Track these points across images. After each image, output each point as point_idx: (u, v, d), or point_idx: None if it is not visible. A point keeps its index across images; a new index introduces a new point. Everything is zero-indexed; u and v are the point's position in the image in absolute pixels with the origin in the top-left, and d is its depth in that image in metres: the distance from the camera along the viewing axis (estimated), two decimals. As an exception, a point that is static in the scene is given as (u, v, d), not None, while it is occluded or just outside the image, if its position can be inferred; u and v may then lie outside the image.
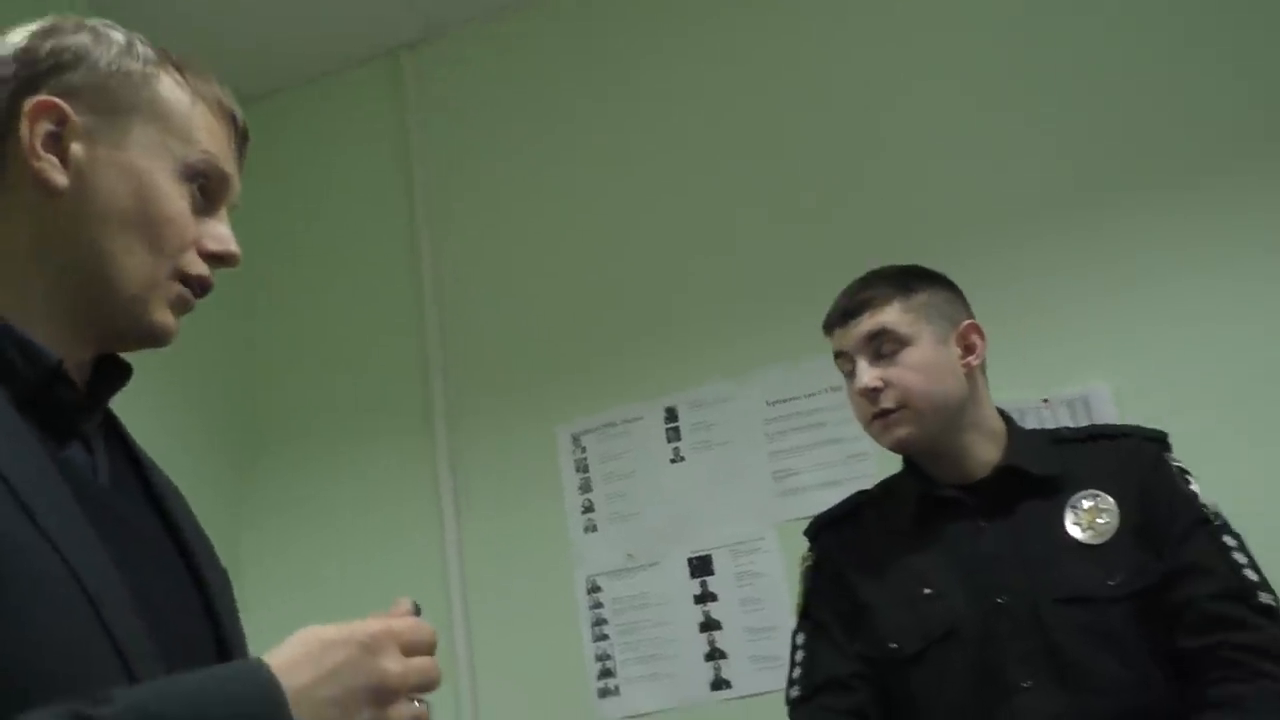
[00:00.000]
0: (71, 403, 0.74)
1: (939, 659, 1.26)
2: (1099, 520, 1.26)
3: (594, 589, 2.21)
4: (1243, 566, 1.22)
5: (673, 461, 2.22)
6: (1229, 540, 1.24)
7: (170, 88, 0.79)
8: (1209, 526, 1.24)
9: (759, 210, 2.28)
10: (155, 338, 0.79)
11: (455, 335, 2.46)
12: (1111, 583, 1.22)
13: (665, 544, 2.18)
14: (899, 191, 2.18)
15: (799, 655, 1.40)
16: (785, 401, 2.16)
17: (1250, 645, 1.15)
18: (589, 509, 2.25)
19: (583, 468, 2.28)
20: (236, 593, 0.85)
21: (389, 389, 2.46)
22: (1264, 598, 1.19)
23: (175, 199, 0.77)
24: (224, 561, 0.86)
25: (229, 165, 0.82)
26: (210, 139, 0.80)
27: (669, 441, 2.23)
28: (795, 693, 1.38)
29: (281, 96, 2.73)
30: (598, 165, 2.44)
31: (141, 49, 0.80)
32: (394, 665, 0.63)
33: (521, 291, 2.43)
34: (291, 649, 0.62)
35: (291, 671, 0.60)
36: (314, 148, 2.70)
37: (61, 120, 0.75)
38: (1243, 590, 1.19)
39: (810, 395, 2.13)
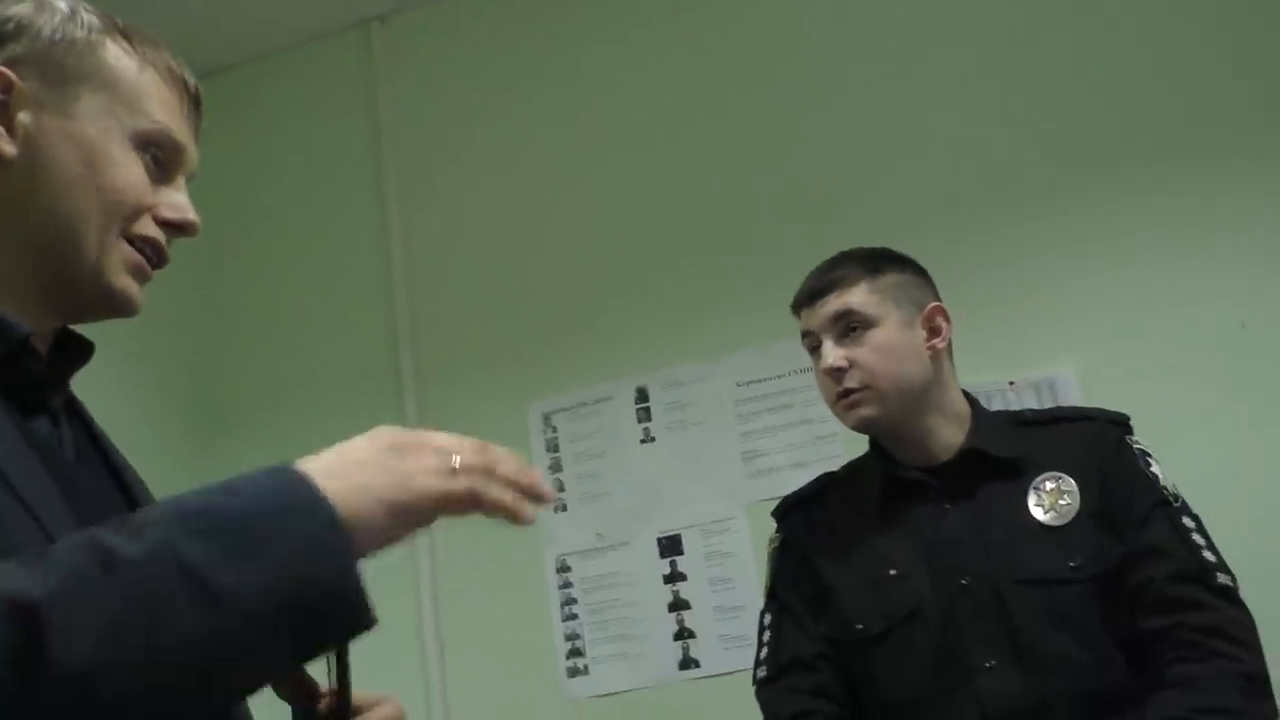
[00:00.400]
0: (40, 376, 0.73)
1: (902, 639, 1.27)
2: (1061, 502, 1.27)
3: (564, 568, 2.21)
4: (1201, 548, 1.23)
5: (643, 441, 2.22)
6: (1188, 522, 1.26)
7: (117, 55, 0.78)
8: (1168, 509, 1.26)
9: (733, 192, 2.27)
10: (119, 306, 0.78)
11: (425, 310, 2.44)
12: (1072, 564, 1.23)
13: (635, 524, 2.18)
14: (868, 177, 2.18)
15: (765, 635, 1.41)
16: (756, 383, 2.17)
17: (1207, 626, 1.17)
18: (559, 488, 2.25)
19: (553, 447, 2.27)
20: None
21: (358, 363, 2.44)
22: (1221, 579, 1.21)
23: (127, 166, 0.76)
24: None
25: (182, 134, 0.80)
26: (161, 107, 0.78)
27: (639, 422, 2.23)
28: (762, 673, 1.39)
29: (251, 67, 2.69)
30: (571, 141, 2.42)
31: (86, 17, 0.78)
32: (415, 433, 0.64)
33: (492, 267, 2.41)
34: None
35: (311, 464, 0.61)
36: (284, 119, 2.66)
37: (7, 88, 0.74)
38: (1201, 571, 1.21)
39: (780, 377, 2.13)
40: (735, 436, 2.16)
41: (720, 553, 2.11)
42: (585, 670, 2.14)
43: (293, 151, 2.63)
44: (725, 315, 2.20)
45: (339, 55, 2.64)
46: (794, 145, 2.25)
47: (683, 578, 2.13)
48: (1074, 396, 1.93)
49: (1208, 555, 1.23)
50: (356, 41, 2.63)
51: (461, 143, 2.51)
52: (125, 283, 0.77)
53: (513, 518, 0.65)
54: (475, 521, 2.36)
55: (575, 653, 2.16)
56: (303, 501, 0.57)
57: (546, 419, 2.29)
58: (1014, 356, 2.01)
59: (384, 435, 0.63)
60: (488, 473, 0.64)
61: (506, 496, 0.64)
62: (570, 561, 2.21)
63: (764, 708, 1.36)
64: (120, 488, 0.79)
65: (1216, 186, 1.97)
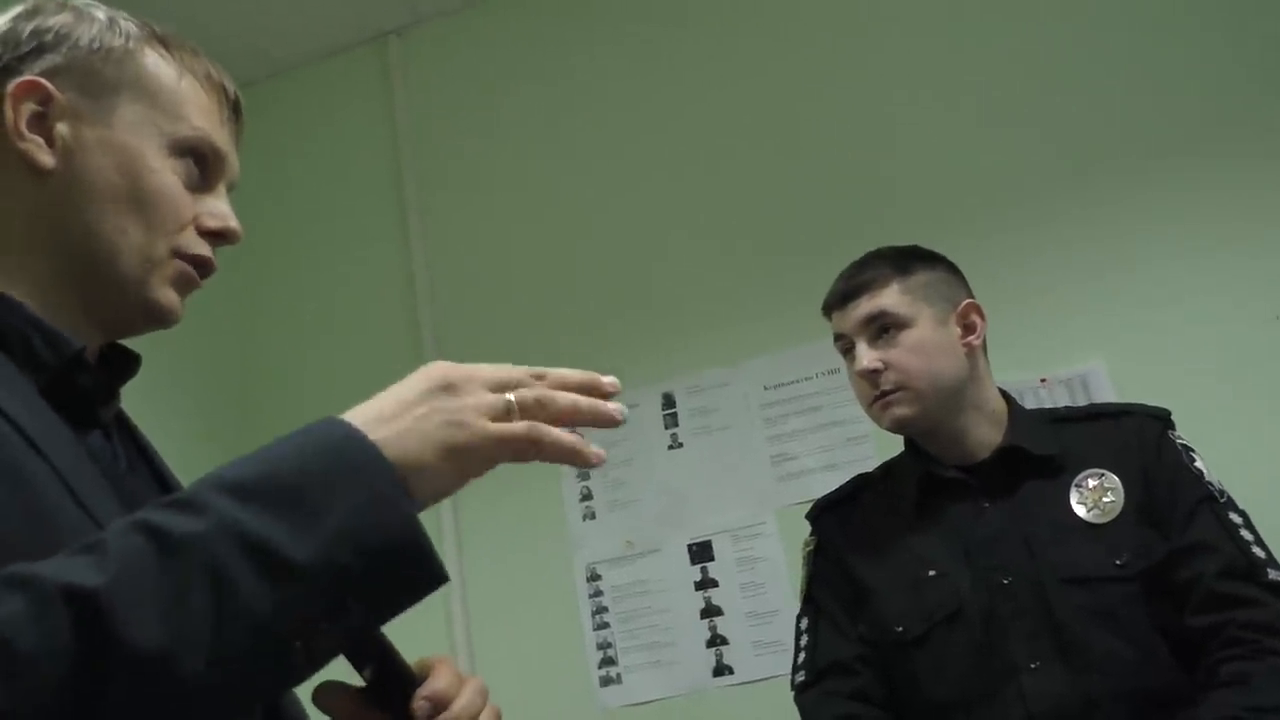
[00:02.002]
0: (93, 390, 0.73)
1: (943, 640, 1.26)
2: (1105, 499, 1.25)
3: (594, 577, 2.20)
4: (1250, 544, 1.21)
5: (670, 448, 2.21)
6: (1235, 518, 1.23)
7: (156, 63, 0.77)
8: (1214, 504, 1.24)
9: (754, 194, 2.26)
10: (160, 317, 0.77)
11: (448, 322, 2.44)
12: (1118, 562, 1.21)
13: (665, 530, 2.17)
14: (893, 174, 2.17)
15: (803, 640, 1.40)
16: (782, 386, 2.15)
17: (1258, 623, 1.15)
18: (587, 496, 2.24)
19: (580, 455, 2.26)
20: None
21: (383, 375, 2.40)
22: (1272, 574, 1.19)
23: (166, 174, 0.75)
24: None
25: (222, 141, 0.79)
26: (200, 114, 0.78)
27: (666, 428, 2.22)
28: (800, 678, 1.37)
29: (270, 84, 2.70)
30: (589, 150, 2.42)
31: (125, 25, 0.78)
32: (466, 368, 0.60)
33: (515, 277, 2.41)
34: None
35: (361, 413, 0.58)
36: (304, 135, 2.67)
37: (46, 100, 0.73)
38: (1250, 567, 1.19)
39: (807, 379, 2.12)
40: (763, 440, 2.14)
41: (751, 558, 2.10)
42: (618, 679, 2.13)
43: (315, 165, 2.65)
44: (750, 319, 2.19)
45: (357, 69, 2.65)
46: (815, 148, 2.24)
47: (714, 584, 2.11)
48: (1106, 392, 1.90)
49: (1257, 551, 1.20)
50: (374, 55, 2.64)
51: (480, 154, 2.51)
52: (168, 295, 0.76)
53: (574, 460, 0.61)
54: (504, 532, 2.35)
55: (608, 661, 2.14)
56: (358, 459, 0.55)
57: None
58: (1045, 353, 1.99)
59: (436, 371, 0.60)
60: (545, 407, 0.59)
61: (565, 440, 0.59)
62: (600, 570, 2.20)
63: (803, 713, 1.35)
64: (167, 491, 0.79)
65: (1245, 179, 1.94)
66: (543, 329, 2.36)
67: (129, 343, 0.81)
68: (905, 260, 1.38)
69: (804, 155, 2.24)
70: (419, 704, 0.65)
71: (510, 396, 0.59)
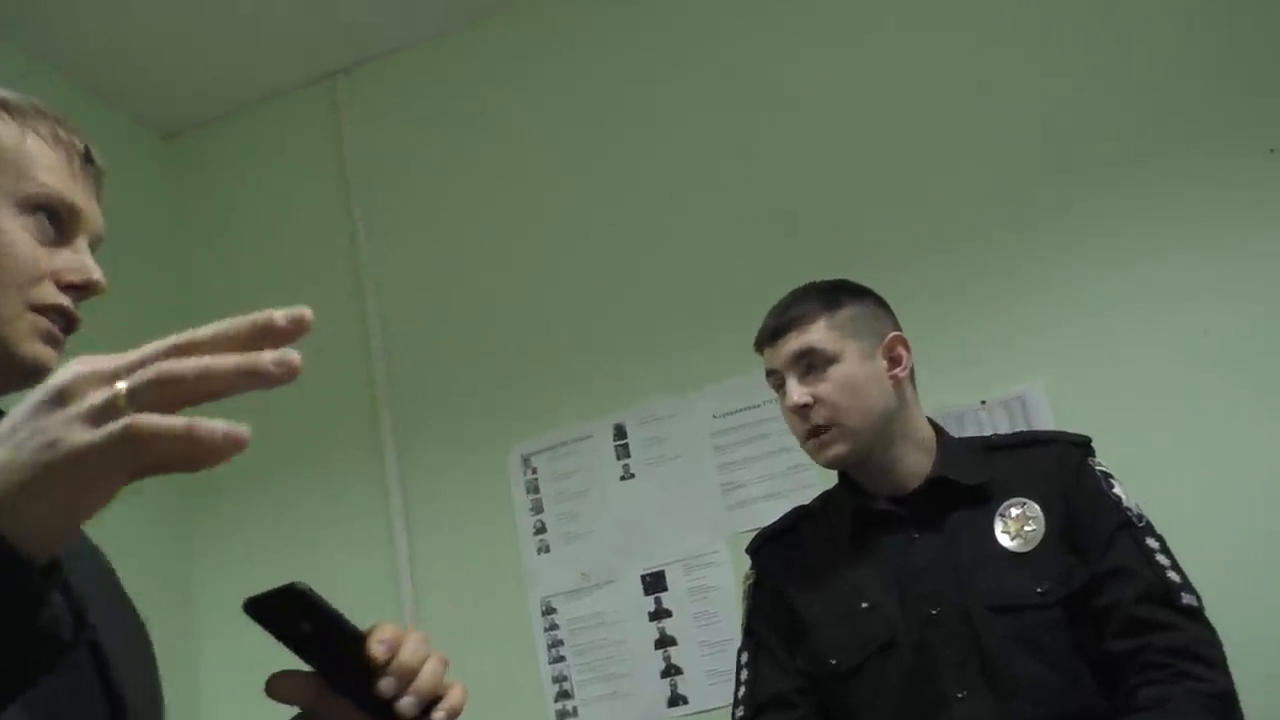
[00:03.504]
0: None
1: (876, 671, 1.28)
2: (1026, 528, 1.28)
3: (549, 610, 2.20)
4: (1166, 569, 1.24)
5: (623, 479, 2.22)
6: (1152, 543, 1.26)
7: None
8: (1132, 529, 1.27)
9: (700, 225, 2.29)
10: (31, 371, 0.76)
11: (400, 358, 2.45)
12: (1040, 590, 1.24)
13: (618, 562, 2.18)
14: (833, 203, 2.20)
15: (743, 674, 1.41)
16: (732, 414, 2.18)
17: (1175, 647, 1.18)
18: (541, 530, 2.25)
19: (534, 488, 2.28)
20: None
21: (337, 413, 2.44)
22: (1187, 599, 1.22)
23: (15, 232, 0.75)
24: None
25: (74, 194, 0.79)
26: (47, 171, 0.78)
27: (619, 459, 2.23)
28: (740, 712, 1.39)
29: (219, 124, 2.71)
30: (535, 183, 2.44)
31: None
32: (87, 363, 0.47)
33: (465, 312, 2.43)
34: None
35: None
36: (253, 174, 2.68)
37: None
38: (1166, 592, 1.22)
39: (755, 406, 2.14)
40: (713, 469, 2.16)
41: (704, 587, 2.11)
42: (575, 712, 2.13)
43: (263, 206, 2.65)
44: (699, 347, 2.22)
45: (305, 109, 2.66)
46: (761, 173, 2.27)
47: (668, 614, 2.13)
48: (1043, 412, 1.94)
49: (1172, 576, 1.23)
50: (322, 95, 2.65)
51: (428, 191, 2.53)
52: (36, 349, 0.76)
53: (199, 450, 0.45)
54: (458, 567, 2.35)
55: (564, 694, 2.15)
56: None
57: (526, 460, 2.30)
58: (984, 376, 2.03)
59: (56, 377, 0.47)
60: (168, 385, 0.46)
61: (175, 429, 0.44)
62: (555, 603, 2.20)
63: (744, 747, 1.36)
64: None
65: (1172, 192, 1.98)
66: (494, 364, 2.37)
67: None
68: (833, 295, 1.41)
69: (748, 187, 2.28)
70: (375, 646, 0.63)
71: (120, 386, 0.46)
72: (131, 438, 0.44)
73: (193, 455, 0.45)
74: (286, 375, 0.47)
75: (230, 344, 0.48)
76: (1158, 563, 1.24)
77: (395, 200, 2.55)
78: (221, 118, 2.71)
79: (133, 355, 0.47)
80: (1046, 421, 1.91)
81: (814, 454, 1.37)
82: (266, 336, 0.48)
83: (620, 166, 2.38)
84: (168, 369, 0.46)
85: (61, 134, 0.81)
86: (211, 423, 0.45)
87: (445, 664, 0.69)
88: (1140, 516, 1.29)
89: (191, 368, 0.46)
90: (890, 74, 2.22)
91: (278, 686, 0.65)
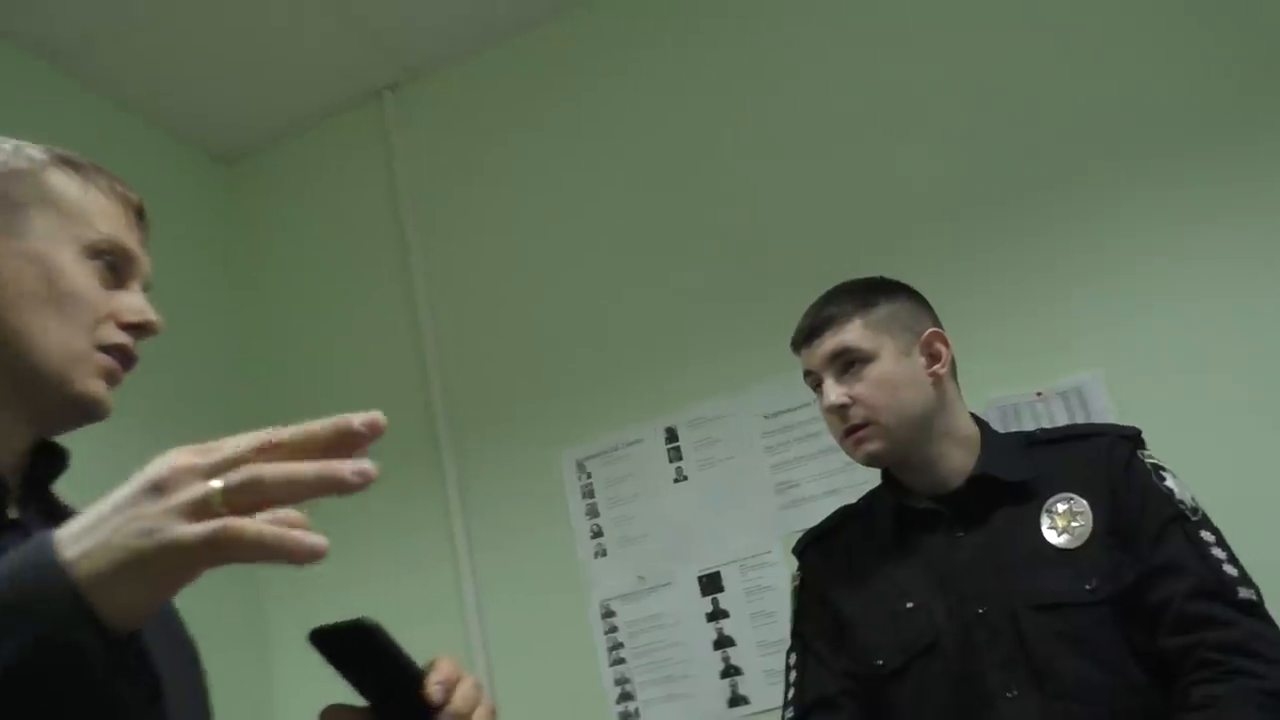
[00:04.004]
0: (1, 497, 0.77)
1: (921, 672, 1.26)
2: (1074, 524, 1.25)
3: (608, 613, 2.22)
4: (1222, 562, 1.20)
5: (676, 481, 2.23)
6: (1206, 536, 1.22)
7: (61, 180, 0.85)
8: (1184, 523, 1.23)
9: (746, 222, 2.29)
10: (87, 409, 0.82)
11: (455, 371, 2.49)
12: (1088, 587, 1.21)
13: (675, 564, 2.19)
14: (882, 194, 2.18)
15: (791, 675, 1.41)
16: (782, 414, 2.17)
17: (1228, 643, 1.14)
18: (598, 534, 2.27)
19: (589, 493, 2.30)
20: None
21: (395, 429, 2.45)
22: (1244, 593, 1.18)
23: (81, 276, 0.82)
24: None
25: (131, 242, 0.86)
26: (106, 221, 0.85)
27: (671, 461, 2.24)
28: (789, 714, 1.39)
29: (274, 148, 2.79)
30: (583, 191, 2.46)
31: (29, 150, 0.85)
32: (183, 457, 0.52)
33: (515, 322, 2.46)
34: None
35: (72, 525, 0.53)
36: (308, 195, 2.75)
37: None
38: (1221, 587, 1.18)
39: (806, 405, 2.12)
40: (766, 468, 2.16)
41: (760, 587, 2.11)
42: (637, 714, 2.15)
43: (318, 226, 2.72)
44: (747, 348, 2.21)
45: (355, 128, 2.72)
46: (801, 170, 2.26)
47: (725, 615, 2.13)
48: (1103, 403, 1.89)
49: (1229, 570, 1.19)
50: (370, 113, 2.71)
51: (478, 201, 2.57)
52: (94, 386, 0.81)
53: (282, 560, 0.51)
54: (519, 573, 2.39)
55: (625, 697, 2.17)
56: (39, 585, 0.50)
57: (580, 465, 2.32)
58: (1040, 366, 1.98)
59: (154, 466, 0.52)
60: (256, 489, 0.51)
61: (267, 537, 0.50)
62: (614, 606, 2.22)
63: (794, 750, 1.36)
64: None
65: (1238, 180, 1.91)
66: (545, 371, 2.40)
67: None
68: (868, 294, 1.40)
69: (792, 180, 2.26)
70: (433, 688, 0.65)
71: (216, 484, 0.51)
72: (224, 540, 0.50)
73: (274, 559, 0.51)
74: (363, 485, 0.52)
75: (312, 446, 0.53)
76: (1213, 556, 1.20)
77: (445, 212, 2.59)
78: (276, 141, 2.79)
79: (224, 451, 0.52)
80: (1105, 413, 1.86)
81: (851, 452, 1.36)
82: (345, 441, 0.53)
83: (665, 170, 2.39)
84: (258, 474, 0.51)
85: (118, 188, 0.87)
86: (299, 537, 0.51)
87: (494, 714, 0.71)
88: (1195, 509, 1.25)
89: (280, 475, 0.51)
90: (941, 62, 2.18)
91: (331, 717, 0.67)
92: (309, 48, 2.52)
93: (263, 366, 2.66)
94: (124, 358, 0.83)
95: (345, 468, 0.52)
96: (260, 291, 2.72)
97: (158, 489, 0.51)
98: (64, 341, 0.79)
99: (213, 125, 2.69)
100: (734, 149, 2.33)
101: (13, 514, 0.78)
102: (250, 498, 0.51)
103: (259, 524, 0.50)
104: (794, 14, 2.34)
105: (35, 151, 0.85)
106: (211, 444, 0.53)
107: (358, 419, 0.53)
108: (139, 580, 0.50)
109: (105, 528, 0.51)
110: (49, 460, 0.84)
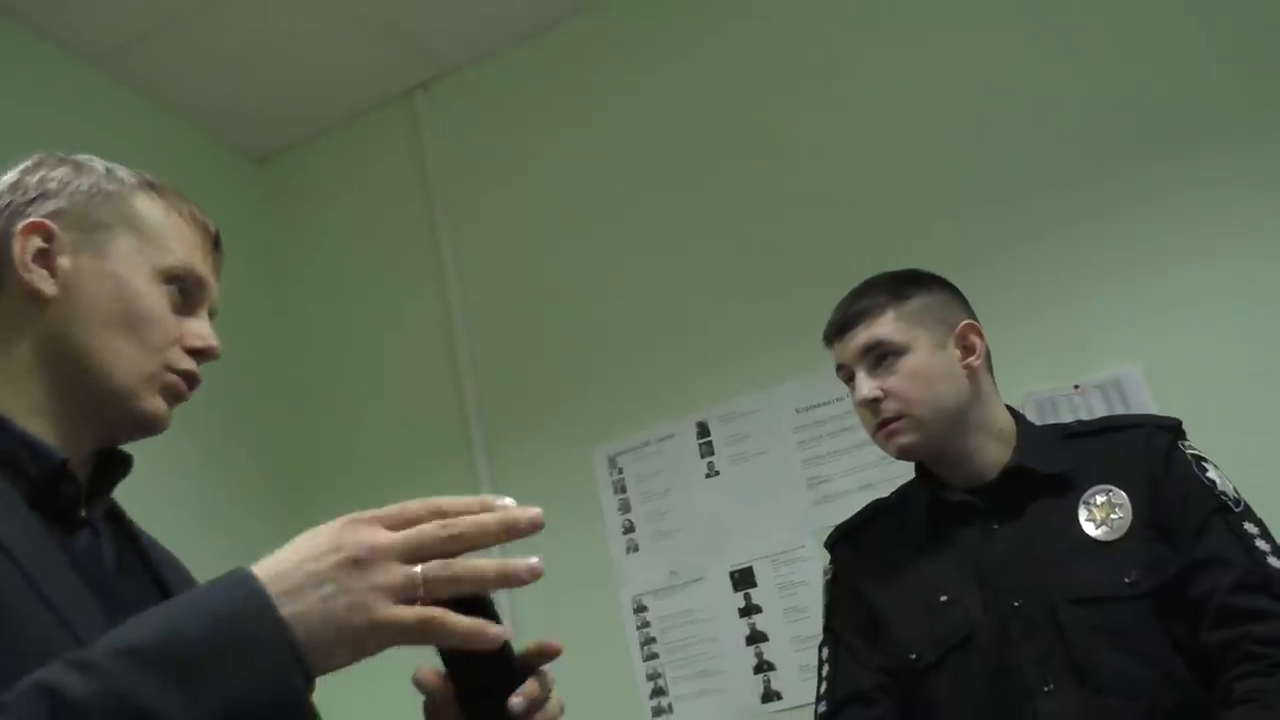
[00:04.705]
0: (75, 496, 0.80)
1: (956, 666, 1.25)
2: (1113, 516, 1.23)
3: (640, 608, 2.22)
4: (1266, 554, 1.18)
5: (708, 476, 2.22)
6: (1250, 528, 1.20)
7: (146, 204, 0.87)
8: (1227, 515, 1.20)
9: (777, 218, 2.28)
10: (147, 425, 0.85)
11: (488, 368, 2.50)
12: (1128, 580, 1.19)
13: (707, 559, 2.19)
14: (917, 189, 2.16)
15: (824, 670, 1.40)
16: (813, 409, 2.15)
17: (1272, 637, 1.11)
18: (629, 529, 2.27)
19: (620, 488, 2.30)
20: None
21: (428, 425, 2.51)
22: (1289, 586, 1.15)
23: (155, 299, 0.85)
24: None
25: (204, 270, 0.89)
26: (184, 247, 0.88)
27: (702, 456, 2.24)
28: (822, 708, 1.38)
29: (307, 148, 2.82)
30: (614, 188, 2.46)
31: (120, 173, 0.88)
32: (379, 537, 0.60)
33: (548, 318, 2.46)
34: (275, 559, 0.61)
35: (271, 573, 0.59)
36: (342, 194, 2.77)
37: (49, 237, 0.83)
38: (1265, 580, 1.15)
39: (838, 400, 2.11)
40: (798, 464, 2.15)
41: (793, 582, 2.10)
42: (670, 709, 2.14)
43: (353, 223, 2.74)
44: (778, 343, 2.20)
45: (388, 126, 2.74)
46: (837, 166, 2.24)
47: (758, 610, 2.12)
48: (1141, 397, 1.86)
49: (1273, 562, 1.17)
50: (402, 111, 2.73)
51: (510, 198, 2.58)
52: (157, 405, 0.84)
53: (471, 646, 0.60)
54: (551, 568, 2.40)
55: (658, 692, 2.16)
56: (261, 633, 0.56)
57: (612, 461, 2.32)
58: (1078, 359, 1.96)
59: (346, 539, 0.60)
60: (453, 581, 0.60)
61: (462, 629, 0.60)
62: (646, 601, 2.22)
63: (826, 744, 1.35)
64: (160, 586, 0.85)
65: (1273, 175, 1.88)
66: (577, 367, 2.40)
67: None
68: (900, 286, 1.39)
69: (826, 178, 2.25)
70: (515, 701, 0.68)
71: (418, 570, 0.59)
72: (434, 628, 0.60)
73: (467, 647, 0.61)
74: (531, 581, 0.62)
75: (485, 535, 0.62)
76: (1257, 549, 1.17)
77: (477, 210, 2.61)
78: (310, 140, 2.82)
79: (413, 538, 0.60)
80: (1144, 406, 1.84)
81: (884, 445, 1.34)
82: (511, 530, 0.63)
83: (701, 163, 2.38)
84: (457, 572, 0.60)
85: (198, 216, 0.90)
86: (494, 630, 0.61)
87: None
88: (1238, 501, 1.23)
89: (471, 573, 0.61)
90: (976, 60, 2.16)
91: (423, 675, 0.72)
92: (341, 48, 2.54)
93: (295, 364, 2.69)
94: (189, 381, 0.86)
95: (521, 568, 0.62)
96: (293, 290, 2.75)
97: (357, 565, 0.59)
98: (132, 362, 0.82)
99: (246, 124, 2.72)
100: (764, 147, 2.32)
101: (83, 513, 0.81)
102: (445, 587, 0.60)
103: (463, 620, 0.60)
104: (820, 12, 2.33)
105: (125, 174, 0.88)
106: (390, 511, 0.61)
107: (525, 517, 0.63)
108: (347, 648, 0.58)
109: (312, 595, 0.58)
110: (112, 465, 0.87)
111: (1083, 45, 2.08)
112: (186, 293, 0.87)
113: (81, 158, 0.89)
